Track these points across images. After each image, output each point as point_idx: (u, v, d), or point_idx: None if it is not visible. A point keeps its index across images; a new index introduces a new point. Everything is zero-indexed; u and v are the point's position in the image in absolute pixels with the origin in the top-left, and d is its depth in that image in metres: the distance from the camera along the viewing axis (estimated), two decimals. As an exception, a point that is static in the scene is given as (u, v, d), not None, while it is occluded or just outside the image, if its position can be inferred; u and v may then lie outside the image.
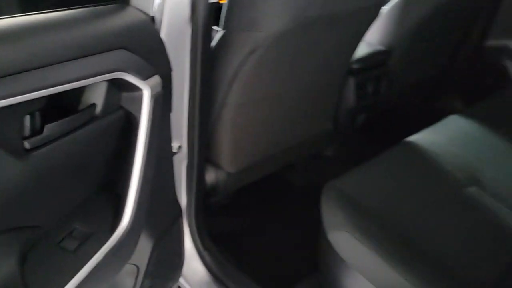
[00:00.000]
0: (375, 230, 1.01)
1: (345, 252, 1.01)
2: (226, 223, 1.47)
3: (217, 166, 1.30)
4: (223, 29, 1.08)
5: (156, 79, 0.72)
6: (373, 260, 0.97)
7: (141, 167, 0.71)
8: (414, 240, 1.00)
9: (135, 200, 0.71)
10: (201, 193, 1.23)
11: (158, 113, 0.73)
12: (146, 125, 0.71)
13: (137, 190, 0.71)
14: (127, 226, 0.70)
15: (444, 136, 1.35)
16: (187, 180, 1.13)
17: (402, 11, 1.53)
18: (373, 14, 1.24)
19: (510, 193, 1.16)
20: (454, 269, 0.96)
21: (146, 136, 0.71)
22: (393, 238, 1.00)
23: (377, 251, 0.97)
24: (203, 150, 1.15)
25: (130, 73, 0.67)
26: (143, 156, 0.71)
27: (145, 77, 0.70)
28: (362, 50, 1.52)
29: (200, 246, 1.25)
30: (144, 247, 0.86)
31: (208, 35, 0.99)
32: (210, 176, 1.30)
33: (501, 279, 0.98)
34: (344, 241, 1.01)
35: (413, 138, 1.34)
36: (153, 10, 0.81)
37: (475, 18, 1.80)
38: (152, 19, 0.81)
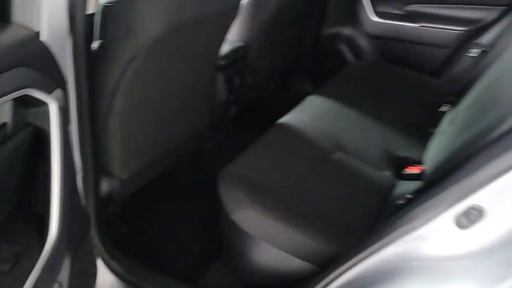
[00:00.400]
0: (271, 202, 1.15)
1: (251, 227, 1.13)
2: (128, 228, 1.47)
3: (109, 174, 1.30)
4: (100, 39, 1.10)
5: (59, 92, 0.73)
6: (276, 227, 1.11)
7: (59, 182, 0.72)
8: (302, 203, 1.17)
9: (58, 215, 0.71)
10: (99, 204, 1.22)
11: (67, 126, 0.74)
12: (58, 139, 0.72)
13: (58, 205, 0.71)
14: (54, 242, 0.71)
15: (307, 114, 1.56)
16: (84, 193, 1.12)
17: (254, 9, 1.70)
18: (234, 14, 1.37)
19: (368, 153, 1.41)
20: (337, 220, 1.16)
21: (60, 150, 0.72)
22: (287, 206, 1.15)
23: (278, 219, 1.11)
24: (96, 161, 1.15)
25: (34, 89, 0.68)
26: (60, 170, 0.72)
27: (49, 91, 0.71)
28: (225, 47, 1.65)
29: (106, 257, 1.25)
30: (64, 263, 0.85)
31: (88, 46, 1.01)
32: (104, 186, 1.29)
33: (373, 223, 1.20)
34: (248, 217, 1.13)
35: (283, 120, 1.52)
36: (37, 25, 0.81)
37: (312, 11, 2.08)
38: (37, 34, 0.81)
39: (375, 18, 2.13)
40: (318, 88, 1.83)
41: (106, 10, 1.06)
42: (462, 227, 0.69)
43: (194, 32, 1.23)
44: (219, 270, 1.34)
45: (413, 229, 0.75)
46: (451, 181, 0.74)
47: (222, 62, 1.64)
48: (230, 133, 1.91)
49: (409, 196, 0.94)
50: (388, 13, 2.12)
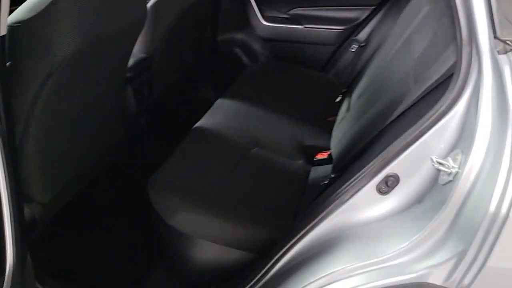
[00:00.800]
0: (204, 201, 1.22)
1: (189, 228, 1.18)
2: (56, 251, 1.41)
3: (29, 199, 1.24)
4: (9, 60, 1.06)
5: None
6: (212, 224, 1.18)
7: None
8: (232, 198, 1.26)
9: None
10: (24, 232, 1.17)
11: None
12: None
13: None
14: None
15: (220, 117, 1.64)
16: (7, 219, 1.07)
17: (154, 21, 1.73)
18: (141, 26, 1.40)
19: (282, 146, 1.54)
20: (265, 208, 1.27)
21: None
22: (218, 202, 1.23)
23: (212, 216, 1.18)
24: (17, 186, 1.11)
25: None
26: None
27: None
28: (130, 60, 1.66)
29: (37, 285, 1.20)
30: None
31: (3, 69, 0.97)
32: (26, 212, 1.23)
33: (297, 206, 1.33)
34: (185, 219, 1.18)
35: (199, 124, 1.58)
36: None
37: (207, 19, 2.16)
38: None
39: (265, 22, 2.29)
40: (221, 91, 1.92)
41: (13, 31, 1.03)
42: (383, 193, 0.83)
43: (107, 46, 1.24)
44: (160, 276, 1.36)
45: (343, 202, 0.88)
46: (368, 157, 0.89)
47: (129, 74, 1.65)
48: (143, 143, 1.92)
49: (332, 175, 1.08)
50: (276, 17, 2.29)
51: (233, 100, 1.77)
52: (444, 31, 1.09)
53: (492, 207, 0.65)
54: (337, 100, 1.78)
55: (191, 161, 1.39)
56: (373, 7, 2.11)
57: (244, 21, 2.34)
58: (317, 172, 1.48)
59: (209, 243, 1.19)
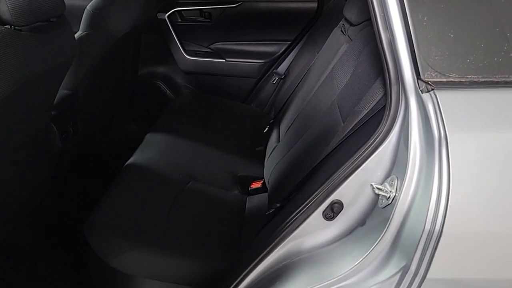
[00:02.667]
0: (146, 240, 1.20)
1: (134, 269, 1.16)
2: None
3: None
4: None
5: None
6: (157, 262, 1.17)
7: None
8: (174, 234, 1.26)
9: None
10: None
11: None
12: None
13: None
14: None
15: (152, 152, 1.64)
16: None
17: (78, 57, 1.69)
18: (69, 64, 1.37)
19: (216, 178, 1.58)
20: (207, 241, 1.29)
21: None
22: (161, 240, 1.22)
23: (157, 254, 1.17)
24: None
25: None
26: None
27: None
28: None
29: None
30: None
31: None
32: None
33: (238, 237, 1.37)
34: (129, 260, 1.16)
35: (132, 161, 1.56)
36: None
37: (128, 54, 2.15)
38: None
39: (187, 56, 2.34)
40: (144, 125, 1.92)
41: None
42: (329, 218, 0.91)
43: (35, 86, 1.20)
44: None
45: (293, 229, 0.93)
46: (312, 187, 0.96)
47: (54, 112, 1.58)
48: (67, 184, 1.83)
49: (277, 204, 1.14)
50: (197, 51, 2.35)
51: (163, 134, 1.77)
52: (363, 68, 1.22)
53: (428, 225, 0.75)
54: (265, 131, 1.86)
55: (128, 199, 1.37)
56: (289, 41, 2.26)
57: (166, 55, 2.37)
58: (253, 201, 1.53)
59: (157, 282, 1.17)
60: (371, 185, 0.86)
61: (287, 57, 2.27)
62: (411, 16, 0.78)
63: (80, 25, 1.72)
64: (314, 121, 1.36)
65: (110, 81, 2.04)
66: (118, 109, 2.31)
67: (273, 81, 2.26)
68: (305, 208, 0.92)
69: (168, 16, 2.27)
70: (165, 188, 1.46)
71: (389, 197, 0.82)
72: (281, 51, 2.28)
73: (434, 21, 0.79)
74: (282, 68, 2.27)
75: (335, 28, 1.67)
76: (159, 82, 2.42)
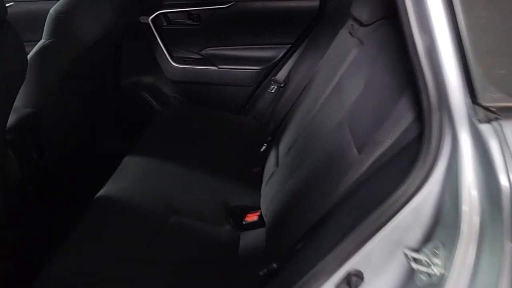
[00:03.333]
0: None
1: None
2: None
3: None
4: None
5: None
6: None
7: None
8: (152, 285, 1.02)
9: None
10: None
11: None
12: None
13: None
14: None
15: (129, 179, 1.39)
16: None
17: (40, 70, 1.45)
18: (20, 78, 1.13)
19: (204, 210, 1.32)
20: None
21: None
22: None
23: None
24: None
25: None
26: None
27: None
28: (11, 118, 1.36)
29: None
30: None
31: None
32: None
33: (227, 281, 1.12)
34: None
35: (103, 192, 1.32)
36: None
37: (108, 62, 1.91)
38: None
39: (175, 64, 2.08)
40: (131, 141, 1.67)
41: None
42: (345, 294, 0.66)
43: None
44: None
45: (294, 307, 0.68)
46: (319, 246, 0.71)
47: (9, 137, 1.34)
48: (31, 217, 1.58)
49: (274, 265, 0.89)
50: (186, 57, 2.10)
51: (143, 156, 1.52)
52: (380, 79, 0.97)
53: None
54: (262, 149, 1.61)
55: (91, 247, 1.12)
56: (289, 45, 2.00)
57: (152, 63, 2.12)
58: (248, 238, 1.28)
59: None
60: (404, 252, 0.61)
61: (286, 62, 2.01)
62: (463, 11, 0.53)
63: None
64: (319, 144, 1.11)
65: (85, 94, 1.80)
66: (99, 124, 2.06)
67: (272, 89, 2.00)
68: (310, 281, 0.66)
69: (152, 20, 2.01)
70: (141, 226, 1.21)
71: (432, 274, 0.57)
72: (279, 56, 2.02)
73: (498, 19, 0.54)
74: (281, 75, 2.01)
75: (342, 29, 1.42)
76: (144, 93, 2.16)
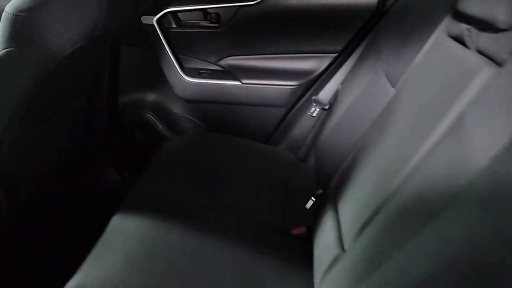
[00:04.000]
0: None
1: None
2: None
3: None
4: None
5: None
6: None
7: None
8: None
9: None
10: None
11: None
12: None
13: None
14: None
15: (114, 257, 0.93)
16: None
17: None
18: None
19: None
20: None
21: None
22: None
23: None
24: None
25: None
26: None
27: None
28: None
29: None
30: None
31: None
32: None
33: None
34: None
35: (74, 283, 0.86)
36: None
37: (100, 77, 1.45)
38: None
39: (187, 78, 1.63)
40: (131, 175, 1.23)
41: None
42: None
43: None
44: None
45: None
46: None
47: None
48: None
49: None
50: (202, 69, 1.64)
51: (137, 217, 1.05)
52: None
53: None
54: (308, 206, 1.14)
55: None
56: (336, 54, 1.53)
57: (157, 76, 1.66)
58: None
59: None
60: None
61: (332, 77, 1.54)
62: None
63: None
64: (425, 221, 0.63)
65: (68, 119, 1.35)
66: (91, 154, 1.61)
67: (312, 112, 1.52)
68: None
69: (157, 20, 1.56)
70: None
71: None
72: (322, 68, 1.55)
73: None
74: (325, 94, 1.54)
75: (438, 32, 0.95)
76: (148, 114, 1.71)
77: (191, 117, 1.71)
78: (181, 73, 1.62)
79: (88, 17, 1.11)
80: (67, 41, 1.07)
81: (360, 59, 1.44)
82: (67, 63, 1.10)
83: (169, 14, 1.56)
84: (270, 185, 1.28)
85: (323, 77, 1.55)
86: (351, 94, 1.35)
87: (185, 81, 1.62)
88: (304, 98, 1.58)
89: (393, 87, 1.07)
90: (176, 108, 1.71)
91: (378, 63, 1.29)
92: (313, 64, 1.55)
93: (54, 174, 1.40)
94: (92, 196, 1.57)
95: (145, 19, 1.55)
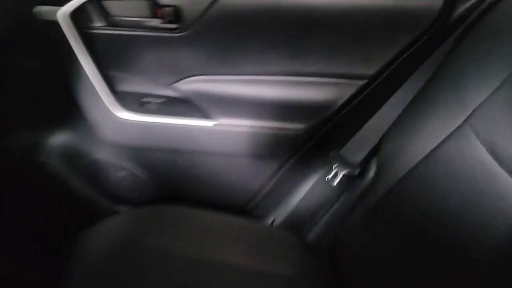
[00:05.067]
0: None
1: None
2: None
3: None
4: None
5: None
6: None
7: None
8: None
9: None
10: None
11: None
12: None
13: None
14: None
15: None
16: None
17: None
18: None
19: None
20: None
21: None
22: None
23: None
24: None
25: None
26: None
27: None
28: None
29: None
30: None
31: None
32: None
33: None
34: None
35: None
36: None
37: None
38: None
39: (121, 113, 0.98)
40: None
41: None
42: None
43: None
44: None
45: None
46: None
47: None
48: None
49: None
50: (147, 97, 1.00)
51: None
52: None
53: None
54: None
55: None
56: (365, 81, 0.95)
57: (69, 106, 1.00)
58: None
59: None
60: None
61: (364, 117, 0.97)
62: None
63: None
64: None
65: None
66: None
67: (331, 178, 0.94)
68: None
69: (71, 15, 0.89)
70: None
71: None
72: (345, 100, 0.97)
73: None
74: (354, 149, 0.96)
75: None
76: (52, 165, 1.05)
77: (126, 165, 1.07)
78: (110, 104, 0.96)
79: None
80: None
81: (427, 91, 0.87)
82: None
83: (90, 5, 0.88)
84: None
85: (347, 115, 0.97)
86: (410, 155, 0.78)
87: (116, 118, 0.97)
88: (314, 151, 0.99)
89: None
90: (101, 152, 1.06)
91: (456, 102, 0.73)
92: (331, 93, 0.96)
93: None
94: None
95: (47, 13, 0.87)
